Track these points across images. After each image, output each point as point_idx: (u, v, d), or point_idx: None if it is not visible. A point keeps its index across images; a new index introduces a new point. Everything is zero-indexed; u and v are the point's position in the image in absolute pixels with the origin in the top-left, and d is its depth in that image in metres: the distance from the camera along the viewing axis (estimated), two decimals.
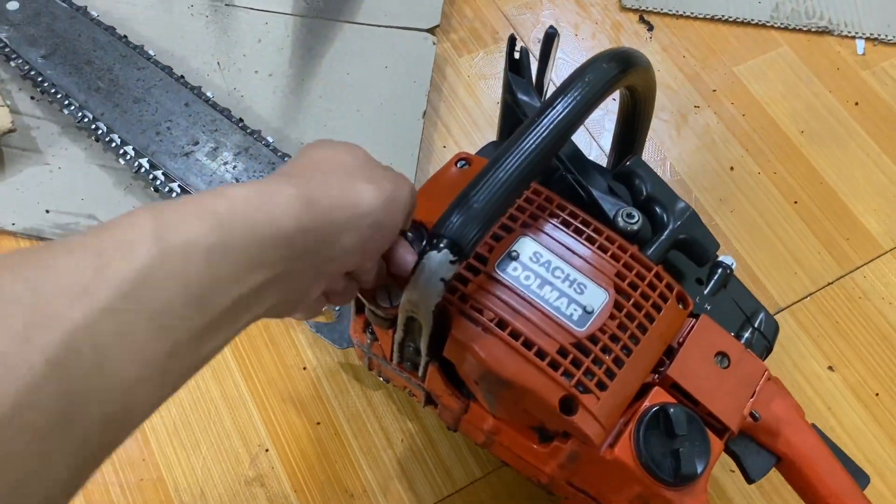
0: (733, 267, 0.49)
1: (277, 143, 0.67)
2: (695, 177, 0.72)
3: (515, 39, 0.55)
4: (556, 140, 0.42)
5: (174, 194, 0.63)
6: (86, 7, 0.72)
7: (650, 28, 0.80)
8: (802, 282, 0.67)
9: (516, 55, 0.55)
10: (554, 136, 0.42)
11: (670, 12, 0.81)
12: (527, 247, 0.45)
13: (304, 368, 0.60)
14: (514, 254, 0.44)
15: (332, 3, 0.76)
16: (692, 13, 0.81)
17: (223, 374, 0.59)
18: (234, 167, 0.65)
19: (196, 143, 0.66)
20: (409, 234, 0.46)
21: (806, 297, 0.66)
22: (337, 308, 0.61)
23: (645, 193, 0.49)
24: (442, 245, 0.38)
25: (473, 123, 0.73)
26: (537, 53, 0.51)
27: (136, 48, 0.69)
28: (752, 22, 0.81)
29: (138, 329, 0.25)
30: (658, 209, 0.48)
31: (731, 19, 0.81)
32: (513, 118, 0.56)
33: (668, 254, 0.48)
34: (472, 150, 0.70)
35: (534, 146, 0.41)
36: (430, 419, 0.58)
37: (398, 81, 0.72)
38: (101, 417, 0.24)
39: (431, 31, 0.75)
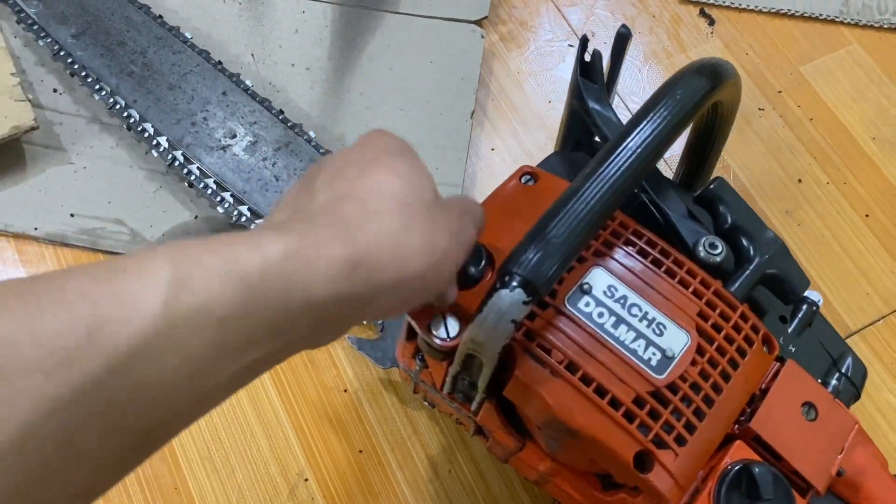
0: (819, 304, 0.45)
1: (319, 138, 0.63)
2: (759, 186, 0.67)
3: (588, 41, 0.50)
4: (643, 166, 0.38)
5: (209, 191, 0.60)
6: None
7: (711, 22, 0.75)
8: (874, 303, 0.63)
9: (587, 58, 0.51)
10: (641, 161, 0.38)
11: (732, 5, 0.76)
12: (600, 279, 0.41)
13: (345, 391, 0.56)
14: (586, 287, 0.40)
15: None
16: (756, 7, 0.76)
17: (258, 395, 0.56)
18: (274, 164, 0.61)
19: (234, 136, 0.62)
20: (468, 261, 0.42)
21: (878, 321, 0.62)
22: (380, 323, 0.57)
23: (730, 221, 0.44)
24: (515, 283, 0.34)
25: (523, 123, 0.68)
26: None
27: (172, 30, 0.65)
28: (821, 17, 0.76)
29: (117, 410, 0.21)
30: (744, 240, 0.44)
31: (797, 14, 0.76)
32: (580, 127, 0.52)
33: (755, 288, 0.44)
34: (522, 153, 0.66)
35: (619, 173, 0.37)
36: (480, 448, 0.55)
37: (444, 78, 0.67)
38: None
39: (479, 22, 0.71)
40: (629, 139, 0.38)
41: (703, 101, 0.40)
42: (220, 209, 0.59)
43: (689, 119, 0.40)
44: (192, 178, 0.60)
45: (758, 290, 0.45)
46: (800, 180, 0.68)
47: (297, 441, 0.54)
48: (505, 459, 0.49)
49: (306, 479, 0.53)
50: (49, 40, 0.64)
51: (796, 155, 0.69)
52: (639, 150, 0.38)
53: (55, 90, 0.64)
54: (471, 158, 0.66)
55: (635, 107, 0.69)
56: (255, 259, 0.24)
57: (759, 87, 0.72)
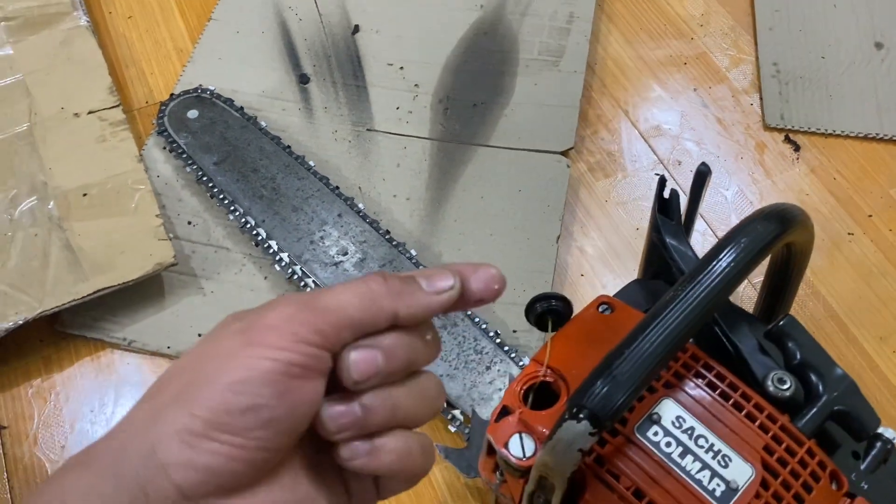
0: (895, 441, 0.45)
1: (420, 256, 0.69)
2: (851, 312, 0.67)
3: (665, 181, 0.54)
4: (708, 309, 0.41)
5: None
6: (255, 117, 0.77)
7: (797, 148, 0.77)
8: None
9: (665, 194, 0.55)
10: (706, 304, 0.41)
11: (818, 131, 0.78)
12: (669, 410, 0.43)
13: None
14: (655, 416, 0.43)
15: (467, 128, 0.78)
16: (842, 131, 0.78)
17: None
18: None
19: (345, 254, 0.68)
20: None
21: None
22: (467, 433, 0.60)
23: (799, 357, 0.46)
24: (582, 416, 0.37)
25: (612, 249, 0.72)
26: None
27: (298, 158, 0.74)
28: None
29: None
30: (813, 376, 0.45)
31: (886, 137, 0.77)
32: (658, 259, 0.55)
33: (824, 424, 0.45)
34: (612, 279, 0.69)
35: (682, 317, 0.40)
36: None
37: (531, 205, 0.73)
38: None
39: (566, 153, 0.76)
40: (695, 283, 0.41)
41: (769, 246, 0.43)
42: None
43: (754, 264, 0.43)
44: (308, 290, 0.67)
45: (832, 426, 0.46)
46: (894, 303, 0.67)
47: None
48: None
49: None
50: (195, 167, 0.73)
51: (889, 280, 0.69)
52: (704, 294, 0.41)
53: (189, 222, 0.73)
54: (560, 282, 0.69)
55: (722, 233, 0.72)
56: None
57: (849, 211, 0.73)
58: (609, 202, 0.74)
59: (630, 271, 0.70)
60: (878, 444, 0.45)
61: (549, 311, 0.50)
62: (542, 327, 0.50)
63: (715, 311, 0.42)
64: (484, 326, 0.64)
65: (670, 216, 0.55)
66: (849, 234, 0.72)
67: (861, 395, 0.45)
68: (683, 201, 0.55)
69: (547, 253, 0.70)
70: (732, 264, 0.42)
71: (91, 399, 0.64)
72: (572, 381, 0.46)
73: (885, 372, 0.64)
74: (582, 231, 0.73)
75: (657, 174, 0.76)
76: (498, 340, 0.63)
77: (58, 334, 0.67)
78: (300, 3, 0.88)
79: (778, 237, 0.44)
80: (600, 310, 0.50)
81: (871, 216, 0.72)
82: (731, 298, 0.67)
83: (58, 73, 0.79)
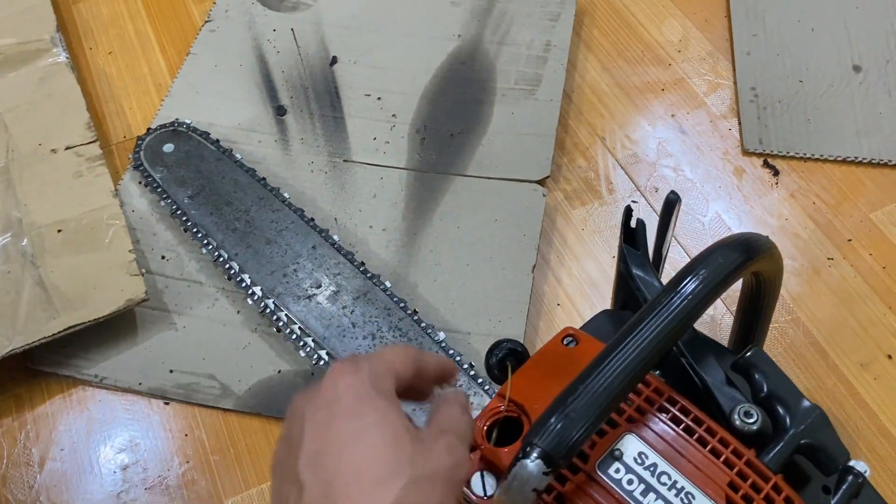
0: (867, 475, 0.44)
1: (395, 288, 0.68)
2: (831, 338, 0.66)
3: (632, 210, 0.54)
4: (664, 341, 0.40)
5: (294, 336, 0.65)
6: (231, 150, 0.78)
7: (775, 173, 0.77)
8: None
9: (632, 224, 0.54)
10: (662, 337, 0.40)
11: (797, 155, 0.77)
12: (631, 446, 0.42)
13: None
14: (617, 453, 0.42)
15: (444, 157, 0.78)
16: (821, 155, 0.77)
17: None
18: (352, 311, 0.67)
19: (319, 286, 0.68)
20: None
21: None
22: None
23: (765, 390, 0.45)
24: (535, 455, 0.37)
25: (588, 278, 0.71)
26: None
27: (273, 191, 0.74)
28: (890, 163, 0.76)
29: None
30: (780, 408, 0.44)
31: (865, 161, 0.76)
32: (627, 289, 0.55)
33: (792, 458, 0.44)
34: (588, 308, 0.69)
35: (639, 350, 0.40)
36: None
37: (507, 234, 0.72)
38: None
39: (542, 182, 0.76)
40: (654, 314, 0.41)
41: (731, 275, 0.43)
42: (302, 353, 0.65)
43: (715, 294, 0.42)
44: (280, 324, 0.66)
45: (803, 460, 0.45)
46: (873, 328, 0.66)
47: None
48: None
49: None
50: (169, 200, 0.73)
51: (869, 304, 0.68)
52: (663, 325, 0.40)
53: (163, 257, 0.72)
54: (536, 312, 0.69)
55: None
56: None
57: (828, 235, 0.72)
58: (586, 230, 0.74)
59: (606, 300, 0.69)
60: (850, 478, 0.44)
61: (506, 355, 0.49)
62: (504, 372, 0.49)
63: (675, 342, 0.41)
64: (458, 359, 0.63)
65: (636, 246, 0.54)
66: (829, 258, 0.71)
67: (830, 427, 0.44)
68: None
69: (523, 283, 0.69)
70: (691, 295, 0.41)
71: (61, 438, 0.63)
72: (534, 415, 0.45)
73: (865, 399, 0.63)
74: (558, 260, 0.72)
75: (634, 202, 0.75)
76: (472, 373, 0.63)
77: (29, 372, 0.66)
78: (278, 36, 0.88)
79: (741, 266, 0.44)
80: (565, 342, 0.49)
81: (850, 240, 0.72)
82: (710, 329, 0.67)
83: (37, 110, 0.80)
